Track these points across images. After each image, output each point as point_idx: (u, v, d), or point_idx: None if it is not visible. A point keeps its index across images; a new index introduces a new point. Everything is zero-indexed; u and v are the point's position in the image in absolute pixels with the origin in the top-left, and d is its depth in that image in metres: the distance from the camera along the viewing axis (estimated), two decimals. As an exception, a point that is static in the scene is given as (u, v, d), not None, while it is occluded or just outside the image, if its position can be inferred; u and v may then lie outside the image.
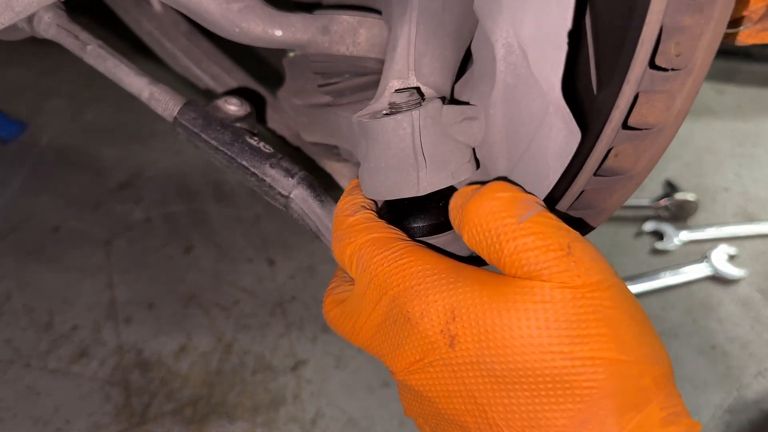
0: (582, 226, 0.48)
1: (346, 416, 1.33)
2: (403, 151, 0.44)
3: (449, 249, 0.46)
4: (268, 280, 1.59)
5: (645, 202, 1.76)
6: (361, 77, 0.61)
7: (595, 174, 0.42)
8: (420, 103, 0.44)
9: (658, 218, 1.73)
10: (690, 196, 1.74)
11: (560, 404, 0.36)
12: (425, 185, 0.44)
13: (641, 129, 0.39)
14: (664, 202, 1.74)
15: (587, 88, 0.40)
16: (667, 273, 1.59)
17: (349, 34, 0.57)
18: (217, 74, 0.83)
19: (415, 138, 0.43)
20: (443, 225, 0.47)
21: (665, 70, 0.36)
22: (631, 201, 1.74)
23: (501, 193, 0.39)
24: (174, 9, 0.60)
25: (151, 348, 1.44)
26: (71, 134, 1.99)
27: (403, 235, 0.45)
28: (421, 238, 0.46)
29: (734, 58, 2.16)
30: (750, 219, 1.76)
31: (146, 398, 1.35)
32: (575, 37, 0.35)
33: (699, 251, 1.65)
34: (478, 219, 0.39)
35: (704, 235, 1.69)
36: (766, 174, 1.90)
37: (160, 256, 1.64)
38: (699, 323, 1.52)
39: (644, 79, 0.36)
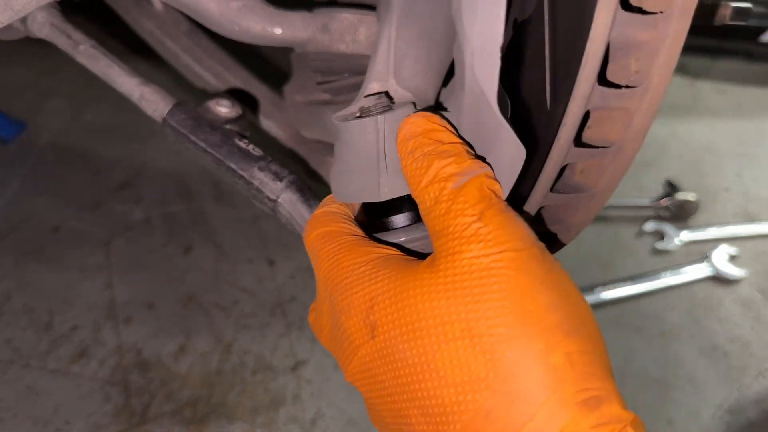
0: (553, 242, 0.48)
1: (346, 416, 1.32)
2: (368, 155, 0.43)
3: (414, 244, 0.46)
4: (268, 280, 1.58)
5: (646, 202, 1.76)
6: (360, 76, 0.61)
7: (552, 190, 0.41)
8: (389, 107, 0.44)
9: (658, 218, 1.73)
10: (691, 196, 1.74)
11: (463, 395, 0.32)
12: (386, 191, 0.44)
13: (598, 147, 0.39)
14: (664, 202, 1.73)
15: (542, 103, 0.40)
16: (668, 273, 1.59)
17: (348, 32, 0.57)
18: (218, 72, 0.83)
19: (379, 143, 0.43)
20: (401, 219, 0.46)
21: (618, 87, 0.36)
22: (632, 201, 1.74)
23: (447, 161, 0.37)
24: (174, 8, 0.59)
25: (151, 348, 1.43)
26: (71, 134, 1.99)
27: (355, 230, 0.45)
28: (385, 233, 0.46)
29: (735, 58, 2.16)
30: (751, 219, 1.75)
31: (146, 398, 1.35)
32: (519, 50, 0.35)
33: (700, 251, 1.65)
34: (423, 180, 0.38)
35: (705, 235, 1.69)
36: (767, 174, 1.90)
37: (160, 256, 1.64)
38: (700, 323, 1.52)
39: (593, 96, 0.35)
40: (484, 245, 0.34)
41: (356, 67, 0.59)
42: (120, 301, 1.53)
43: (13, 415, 1.31)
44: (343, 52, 0.57)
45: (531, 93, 0.40)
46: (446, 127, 0.40)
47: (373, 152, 0.43)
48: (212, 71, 0.82)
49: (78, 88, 2.13)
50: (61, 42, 0.61)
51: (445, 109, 0.47)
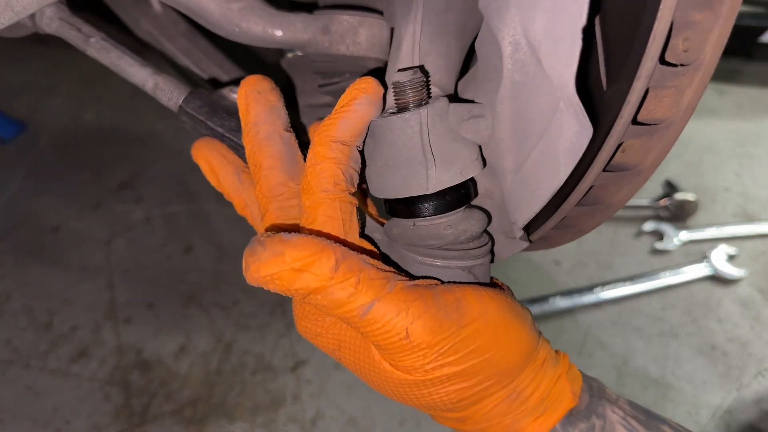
0: (591, 222, 0.48)
1: (346, 416, 1.32)
2: (412, 150, 0.44)
3: (460, 227, 0.46)
4: (267, 280, 1.59)
5: (645, 202, 1.76)
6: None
7: (604, 170, 0.42)
8: (425, 83, 0.44)
9: (658, 218, 1.73)
10: (690, 196, 1.74)
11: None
12: (434, 183, 0.44)
13: (650, 124, 0.39)
14: (664, 202, 1.74)
15: (596, 84, 0.41)
16: (667, 273, 1.59)
17: (349, 34, 0.57)
18: (216, 75, 0.83)
19: (423, 136, 0.43)
20: (451, 204, 0.46)
21: (674, 65, 0.36)
22: (632, 201, 1.74)
23: (341, 293, 0.39)
24: (174, 9, 0.60)
25: (151, 348, 1.44)
26: (71, 134, 1.99)
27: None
28: (429, 217, 0.46)
29: (735, 59, 2.16)
30: (750, 219, 1.76)
31: (146, 398, 1.35)
32: (588, 33, 0.35)
33: (699, 251, 1.65)
34: (328, 308, 0.40)
35: (704, 235, 1.69)
36: (766, 174, 1.90)
37: (160, 256, 1.64)
38: (699, 323, 1.52)
39: (654, 74, 0.36)
40: (418, 366, 0.41)
41: (358, 69, 0.60)
42: (120, 301, 1.53)
43: (13, 415, 1.31)
44: (343, 54, 0.57)
45: (582, 76, 0.40)
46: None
47: (417, 146, 0.43)
48: (210, 74, 0.82)
49: (77, 87, 2.13)
50: (71, 36, 0.61)
51: (471, 101, 0.47)
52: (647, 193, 1.78)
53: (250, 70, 0.86)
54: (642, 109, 0.39)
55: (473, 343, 0.40)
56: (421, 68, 0.47)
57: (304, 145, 0.55)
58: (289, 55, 0.63)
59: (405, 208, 0.46)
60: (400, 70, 0.46)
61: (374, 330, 0.39)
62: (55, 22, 0.61)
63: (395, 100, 0.45)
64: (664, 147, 0.41)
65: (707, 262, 1.61)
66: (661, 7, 0.33)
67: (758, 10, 2.02)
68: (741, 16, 1.98)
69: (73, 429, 1.30)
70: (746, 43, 2.00)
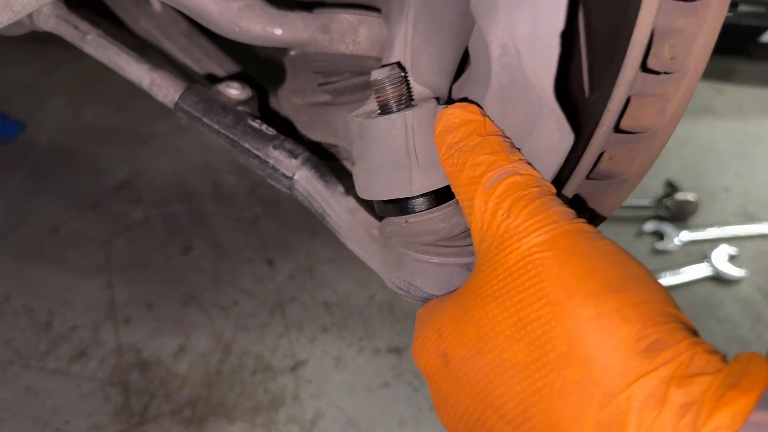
0: None
1: (345, 416, 1.32)
2: (397, 151, 0.43)
3: (453, 220, 0.45)
4: (267, 281, 1.58)
5: (645, 202, 1.76)
6: (361, 76, 0.61)
7: (587, 177, 0.41)
8: (402, 76, 0.44)
9: (658, 218, 1.73)
10: (690, 196, 1.73)
11: (533, 385, 0.32)
12: (418, 186, 0.44)
13: (634, 133, 0.39)
14: (664, 202, 1.73)
15: (580, 90, 0.40)
16: (668, 273, 1.59)
17: (349, 33, 0.56)
18: (216, 73, 0.82)
19: (408, 138, 0.43)
20: (442, 197, 0.46)
21: (658, 73, 0.36)
22: (632, 201, 1.74)
23: (480, 158, 0.38)
24: (173, 8, 0.59)
25: (150, 348, 1.43)
26: (70, 134, 1.99)
27: None
28: (421, 213, 0.45)
29: (734, 58, 2.16)
30: (750, 219, 1.75)
31: (145, 398, 1.34)
32: (569, 37, 0.35)
33: (699, 251, 1.65)
34: (459, 179, 0.39)
35: (705, 235, 1.69)
36: (767, 174, 1.90)
37: (160, 256, 1.64)
38: (699, 324, 1.51)
39: (636, 82, 0.35)
40: (516, 239, 0.34)
41: (357, 68, 0.59)
42: (119, 301, 1.53)
43: (13, 416, 1.31)
44: (343, 53, 0.57)
45: (565, 81, 0.39)
46: (484, 118, 0.41)
47: (402, 148, 0.43)
48: (210, 73, 0.82)
49: (77, 87, 2.12)
50: (68, 33, 0.61)
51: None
52: (648, 193, 1.78)
53: (250, 68, 0.86)
54: (625, 117, 0.39)
55: None
56: (399, 64, 0.47)
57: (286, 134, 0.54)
58: (292, 52, 0.63)
59: (394, 206, 0.46)
60: (381, 66, 0.46)
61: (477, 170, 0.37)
62: (52, 20, 0.61)
63: (376, 98, 0.45)
64: (649, 156, 0.41)
65: (708, 263, 1.60)
66: (640, 14, 0.32)
67: (758, 10, 2.02)
68: (741, 16, 1.98)
69: (73, 429, 1.29)
70: (746, 43, 2.00)
